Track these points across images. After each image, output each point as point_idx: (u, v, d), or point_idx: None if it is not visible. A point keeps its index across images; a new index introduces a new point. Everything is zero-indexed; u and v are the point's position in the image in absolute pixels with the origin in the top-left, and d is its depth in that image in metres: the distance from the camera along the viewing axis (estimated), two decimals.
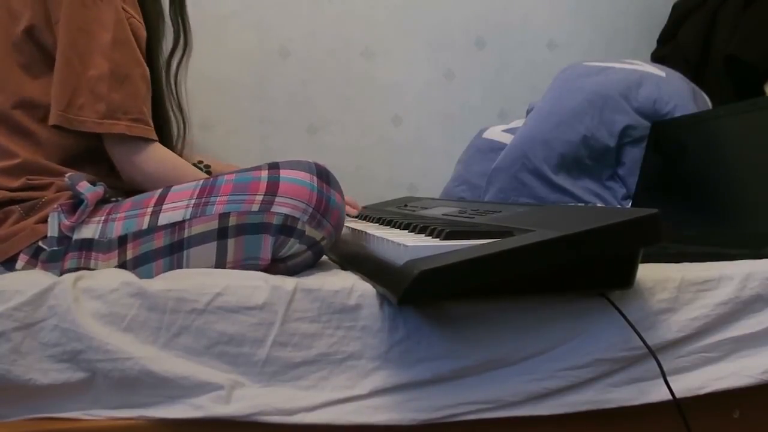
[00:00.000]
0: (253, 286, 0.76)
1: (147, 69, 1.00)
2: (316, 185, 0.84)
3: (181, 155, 1.07)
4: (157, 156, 0.98)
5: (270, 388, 0.74)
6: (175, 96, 1.15)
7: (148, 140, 0.97)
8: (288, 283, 0.77)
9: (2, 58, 0.96)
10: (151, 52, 1.05)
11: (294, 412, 0.73)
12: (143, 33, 1.02)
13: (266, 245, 0.84)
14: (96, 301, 0.73)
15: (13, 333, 0.70)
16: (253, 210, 0.83)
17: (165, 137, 1.07)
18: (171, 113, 1.12)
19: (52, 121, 0.92)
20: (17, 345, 0.70)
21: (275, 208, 0.83)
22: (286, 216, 0.83)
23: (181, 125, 1.14)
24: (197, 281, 0.76)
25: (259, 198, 0.83)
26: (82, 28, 0.93)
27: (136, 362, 0.71)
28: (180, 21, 1.18)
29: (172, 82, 1.16)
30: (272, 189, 0.83)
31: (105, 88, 0.93)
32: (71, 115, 0.92)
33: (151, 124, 0.98)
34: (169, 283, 0.76)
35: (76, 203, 0.90)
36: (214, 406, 0.71)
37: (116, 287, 0.74)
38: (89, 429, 0.72)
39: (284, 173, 0.85)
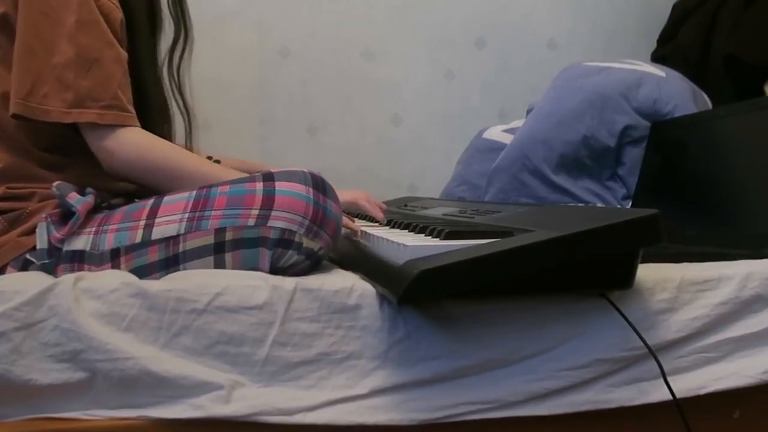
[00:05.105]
0: (253, 285, 0.76)
1: (122, 52, 0.93)
2: (312, 197, 0.83)
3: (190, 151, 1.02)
4: (137, 141, 0.92)
5: (270, 388, 0.74)
6: (178, 90, 1.11)
7: (125, 126, 0.91)
8: (288, 282, 0.77)
9: None
10: (135, 38, 0.99)
11: (294, 412, 0.73)
12: (117, 15, 0.94)
13: (264, 258, 0.82)
14: (96, 301, 0.73)
15: (13, 333, 0.70)
16: (249, 225, 0.82)
17: (166, 132, 1.04)
18: (173, 108, 1.08)
19: (12, 110, 0.87)
20: (17, 345, 0.70)
21: (272, 222, 0.81)
22: (283, 230, 0.81)
23: (187, 121, 1.11)
24: (197, 281, 0.76)
25: (255, 212, 0.82)
26: (45, 13, 0.87)
27: (136, 362, 0.71)
28: (179, 13, 1.13)
29: (175, 75, 1.11)
30: (268, 203, 0.82)
31: (72, 75, 0.87)
32: (33, 104, 0.86)
33: (130, 108, 0.92)
34: (169, 283, 0.76)
35: (64, 213, 0.87)
36: (214, 406, 0.71)
37: (116, 287, 0.74)
38: (89, 429, 0.72)
39: (279, 186, 0.83)
